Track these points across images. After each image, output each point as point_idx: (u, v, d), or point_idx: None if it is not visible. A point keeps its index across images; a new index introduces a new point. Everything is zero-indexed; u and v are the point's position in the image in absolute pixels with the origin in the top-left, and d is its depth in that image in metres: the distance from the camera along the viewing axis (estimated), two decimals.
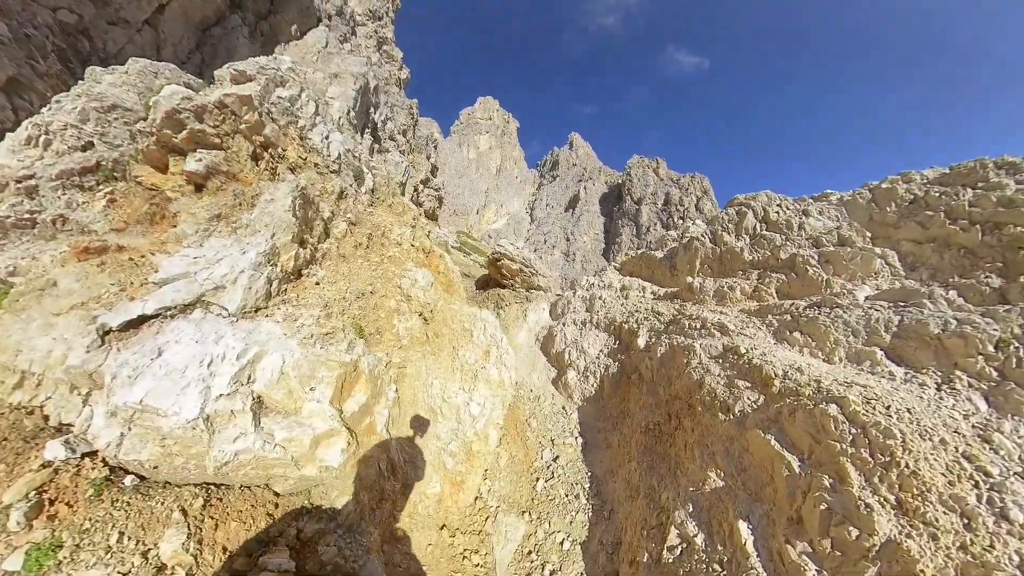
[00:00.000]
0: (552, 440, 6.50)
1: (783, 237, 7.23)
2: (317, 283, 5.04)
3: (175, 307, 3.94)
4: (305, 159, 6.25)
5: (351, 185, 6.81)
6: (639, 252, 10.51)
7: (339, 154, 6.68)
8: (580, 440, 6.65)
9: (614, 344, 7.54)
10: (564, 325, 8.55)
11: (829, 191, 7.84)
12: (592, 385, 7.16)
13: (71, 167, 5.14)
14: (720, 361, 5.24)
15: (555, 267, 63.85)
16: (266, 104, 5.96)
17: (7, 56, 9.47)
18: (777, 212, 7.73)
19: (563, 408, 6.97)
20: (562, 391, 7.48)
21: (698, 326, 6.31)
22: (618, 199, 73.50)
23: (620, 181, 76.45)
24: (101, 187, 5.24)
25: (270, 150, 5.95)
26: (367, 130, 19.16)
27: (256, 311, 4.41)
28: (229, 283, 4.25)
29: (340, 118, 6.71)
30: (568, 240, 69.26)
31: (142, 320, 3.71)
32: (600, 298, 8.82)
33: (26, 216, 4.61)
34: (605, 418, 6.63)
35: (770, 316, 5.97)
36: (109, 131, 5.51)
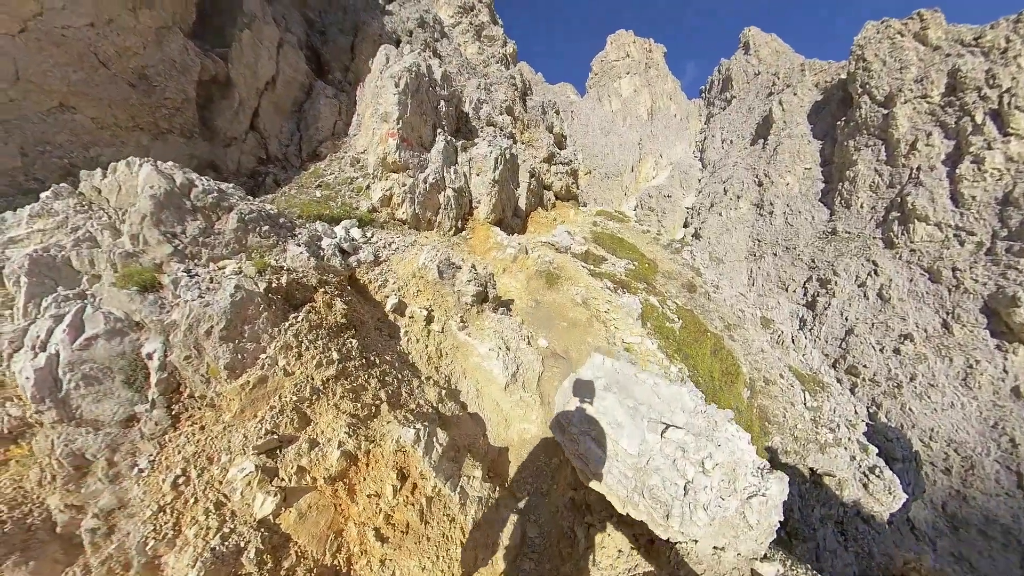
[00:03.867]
0: None
1: None
2: None
3: None
4: None
5: None
6: None
7: None
8: None
9: None
10: None
11: None
12: None
13: None
14: None
15: (743, 224, 46.96)
16: None
17: None
18: None
19: None
20: None
21: None
22: (843, 106, 47.40)
23: (844, 75, 49.26)
24: None
25: None
26: (440, 130, 15.50)
27: None
28: None
29: None
30: (760, 185, 49.26)
31: None
32: None
33: None
34: None
35: None
36: None
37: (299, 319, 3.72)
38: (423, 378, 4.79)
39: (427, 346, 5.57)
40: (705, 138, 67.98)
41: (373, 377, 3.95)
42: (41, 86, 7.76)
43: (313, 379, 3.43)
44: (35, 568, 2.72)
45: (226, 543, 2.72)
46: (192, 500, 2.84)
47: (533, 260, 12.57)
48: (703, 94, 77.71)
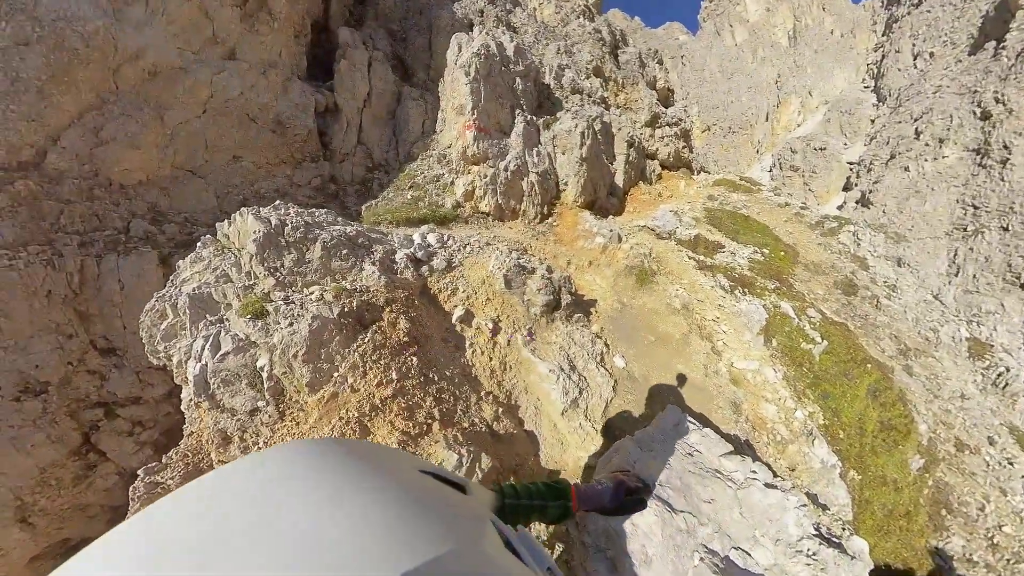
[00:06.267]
0: None
1: None
2: None
3: None
4: None
5: None
6: None
7: None
8: None
9: None
10: None
11: None
12: None
13: None
14: None
15: (946, 182, 30.61)
16: None
17: None
18: None
19: None
20: None
21: None
22: None
23: None
24: None
25: None
26: (519, 110, 15.21)
27: None
28: None
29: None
30: (986, 118, 28.63)
31: None
32: None
33: None
34: None
35: None
36: None
37: (366, 340, 4.30)
38: (483, 393, 4.91)
39: (491, 359, 5.60)
40: (883, 56, 49.81)
41: (429, 395, 4.31)
42: (220, 147, 10.63)
43: (374, 397, 3.95)
44: None
45: None
46: None
47: (625, 251, 10.90)
48: None
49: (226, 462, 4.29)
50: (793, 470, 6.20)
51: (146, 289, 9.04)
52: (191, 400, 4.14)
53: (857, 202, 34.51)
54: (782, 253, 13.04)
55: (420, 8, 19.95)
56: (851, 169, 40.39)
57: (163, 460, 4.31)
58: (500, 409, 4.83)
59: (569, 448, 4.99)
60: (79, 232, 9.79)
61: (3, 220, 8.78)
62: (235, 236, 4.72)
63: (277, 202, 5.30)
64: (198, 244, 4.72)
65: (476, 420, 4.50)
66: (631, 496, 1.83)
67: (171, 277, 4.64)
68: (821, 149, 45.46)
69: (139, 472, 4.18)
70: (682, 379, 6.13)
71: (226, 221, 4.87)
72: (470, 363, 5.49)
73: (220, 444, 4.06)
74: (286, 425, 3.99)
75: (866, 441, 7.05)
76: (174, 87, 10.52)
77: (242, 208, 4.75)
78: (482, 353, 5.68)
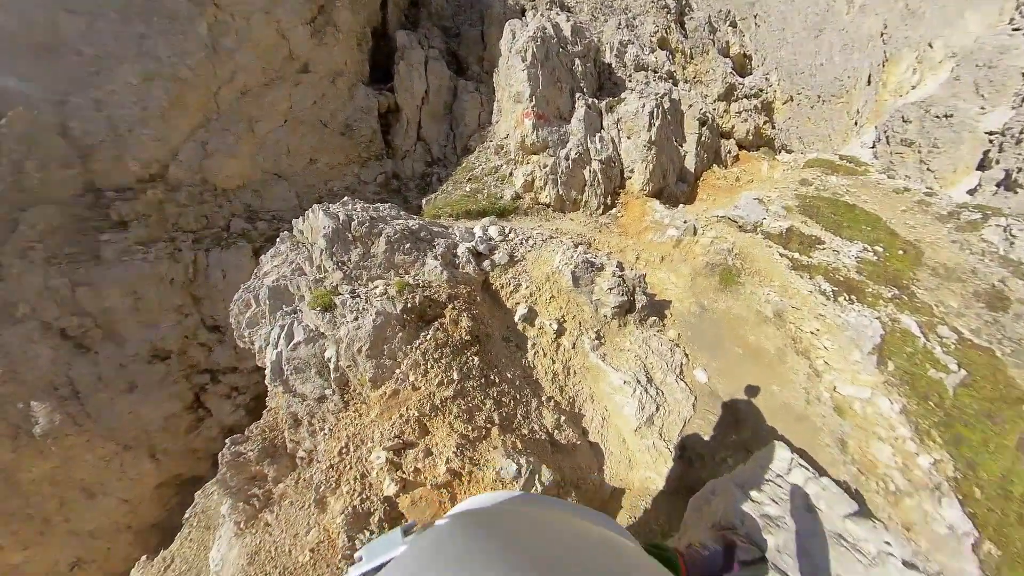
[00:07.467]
0: None
1: None
2: None
3: None
4: None
5: None
6: None
7: None
8: None
9: None
10: None
11: None
12: None
13: None
14: None
15: None
16: None
17: None
18: None
19: None
20: None
21: None
22: None
23: None
24: None
25: None
26: (579, 93, 14.45)
27: None
28: None
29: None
30: None
31: None
32: None
33: None
34: None
35: None
36: None
37: (427, 337, 4.24)
38: (544, 398, 4.63)
39: (554, 362, 5.24)
40: None
41: (489, 398, 4.13)
42: (299, 152, 11.68)
43: (434, 396, 3.90)
44: (277, 467, 4.14)
45: (363, 505, 3.54)
46: (348, 467, 3.78)
47: (703, 246, 9.38)
48: None
49: (297, 442, 4.53)
50: (908, 530, 4.98)
51: (241, 278, 10.35)
52: (270, 379, 4.44)
53: (998, 184, 26.47)
54: (901, 252, 10.25)
55: (471, 2, 19.98)
56: (990, 141, 31.52)
57: (245, 433, 4.68)
58: (562, 417, 4.50)
59: (637, 467, 4.50)
60: (192, 231, 11.42)
61: (139, 222, 10.53)
62: (308, 232, 4.96)
63: (345, 198, 5.49)
64: (278, 240, 5.05)
65: (536, 427, 4.23)
66: (747, 564, 1.57)
67: (255, 270, 5.02)
68: (946, 116, 36.57)
69: (226, 441, 4.58)
70: (778, 404, 5.14)
71: (301, 218, 5.14)
72: (532, 364, 5.22)
73: (292, 425, 4.28)
74: (349, 415, 4.09)
75: (1011, 508, 5.26)
76: (261, 102, 11.75)
77: (314, 205, 4.97)
78: (544, 355, 5.35)
